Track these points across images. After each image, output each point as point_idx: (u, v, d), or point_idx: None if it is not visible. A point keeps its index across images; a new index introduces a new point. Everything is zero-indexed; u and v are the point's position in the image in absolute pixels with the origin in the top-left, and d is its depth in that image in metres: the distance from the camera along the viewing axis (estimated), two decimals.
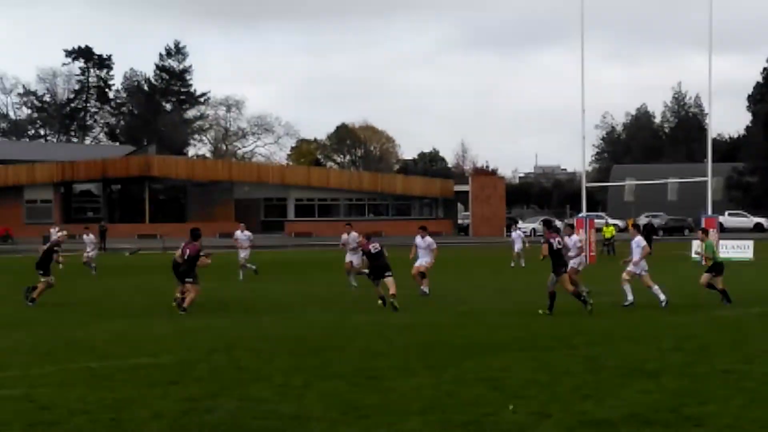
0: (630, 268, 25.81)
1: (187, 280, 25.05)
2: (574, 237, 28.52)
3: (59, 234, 29.44)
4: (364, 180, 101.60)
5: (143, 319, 23.28)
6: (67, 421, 11.33)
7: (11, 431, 10.86)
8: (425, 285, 28.90)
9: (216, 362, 15.89)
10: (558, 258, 23.95)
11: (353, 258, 31.84)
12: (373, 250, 26.08)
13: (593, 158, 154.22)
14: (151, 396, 12.87)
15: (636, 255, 25.62)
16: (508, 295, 28.72)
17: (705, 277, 26.13)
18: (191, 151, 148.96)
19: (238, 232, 39.19)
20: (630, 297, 25.47)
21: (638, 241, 25.92)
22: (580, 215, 56.05)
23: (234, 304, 26.43)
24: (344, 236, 32.82)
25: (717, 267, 26.10)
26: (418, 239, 29.51)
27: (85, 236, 44.90)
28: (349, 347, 17.76)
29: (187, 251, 25.23)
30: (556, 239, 24.22)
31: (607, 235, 57.97)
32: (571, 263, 27.11)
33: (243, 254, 38.05)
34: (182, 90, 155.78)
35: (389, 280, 25.54)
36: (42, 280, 27.37)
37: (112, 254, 61.41)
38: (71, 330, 20.83)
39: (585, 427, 10.84)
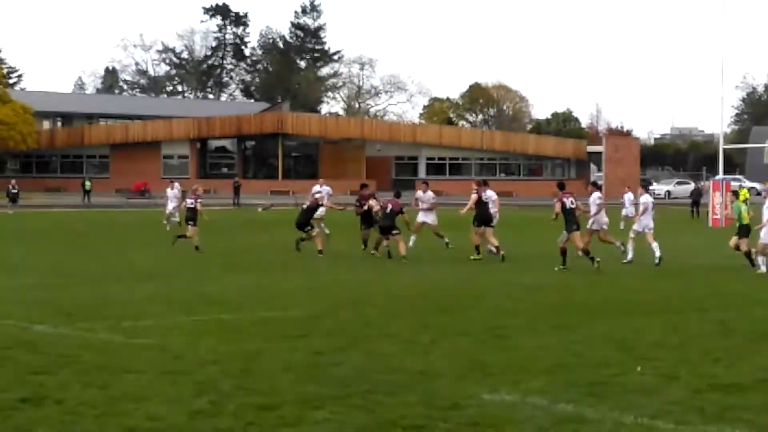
0: (634, 226, 27.59)
1: (393, 232, 27.40)
2: (595, 194, 28.28)
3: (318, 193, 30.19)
4: (495, 139, 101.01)
5: (274, 273, 23.60)
6: (199, 371, 11.58)
7: (146, 378, 11.15)
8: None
9: (343, 317, 16.07)
10: (571, 216, 25.20)
11: (426, 218, 30.59)
12: (484, 198, 27.45)
13: (732, 120, 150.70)
14: (280, 349, 13.08)
15: (593, 210, 27.52)
16: (640, 256, 28.35)
17: (733, 240, 26.34)
18: (324, 109, 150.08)
19: (316, 187, 35.86)
20: (630, 255, 27.09)
21: (594, 199, 27.58)
22: (717, 178, 54.89)
23: (362, 261, 26.65)
24: (419, 193, 31.52)
25: (742, 229, 26.11)
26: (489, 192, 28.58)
27: (169, 190, 43.03)
28: (476, 306, 17.77)
29: (389, 206, 27.74)
30: (569, 198, 25.28)
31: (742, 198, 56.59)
32: (591, 222, 27.99)
33: (322, 210, 33.57)
34: (316, 48, 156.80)
35: (490, 230, 27.25)
36: (313, 234, 28.95)
37: (245, 210, 62.29)
38: (204, 283, 21.24)
39: (713, 390, 10.67)
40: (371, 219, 29.20)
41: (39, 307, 16.97)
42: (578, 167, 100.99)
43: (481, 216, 27.49)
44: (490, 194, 28.77)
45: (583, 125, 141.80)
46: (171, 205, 41.81)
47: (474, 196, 27.60)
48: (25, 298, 18.18)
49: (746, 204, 27.56)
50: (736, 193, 28.69)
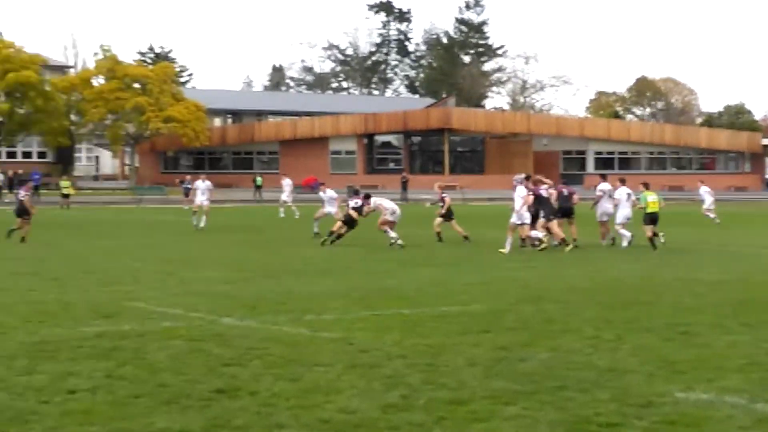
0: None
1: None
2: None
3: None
4: (666, 133, 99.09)
5: (448, 268, 23.59)
6: (385, 365, 11.63)
7: (335, 371, 11.26)
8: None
9: (525, 312, 15.94)
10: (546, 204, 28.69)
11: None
12: (566, 192, 30.26)
13: None
14: (463, 343, 13.05)
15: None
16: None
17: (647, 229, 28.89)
18: (489, 104, 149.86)
19: (199, 182, 40.23)
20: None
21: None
22: None
23: (540, 257, 26.50)
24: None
25: (649, 217, 28.96)
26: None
27: (200, 182, 41.01)
28: (658, 302, 17.44)
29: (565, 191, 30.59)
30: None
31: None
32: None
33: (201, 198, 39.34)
34: (480, 42, 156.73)
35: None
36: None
37: (413, 205, 62.55)
38: (381, 278, 21.36)
39: None
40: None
41: (224, 300, 17.34)
42: (753, 161, 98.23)
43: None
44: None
45: (758, 118, 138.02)
46: (201, 198, 40.17)
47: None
48: (209, 291, 18.59)
49: (655, 194, 29.78)
50: (646, 185, 30.12)
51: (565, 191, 30.53)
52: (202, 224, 38.45)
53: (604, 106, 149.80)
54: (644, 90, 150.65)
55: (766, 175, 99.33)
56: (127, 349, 12.51)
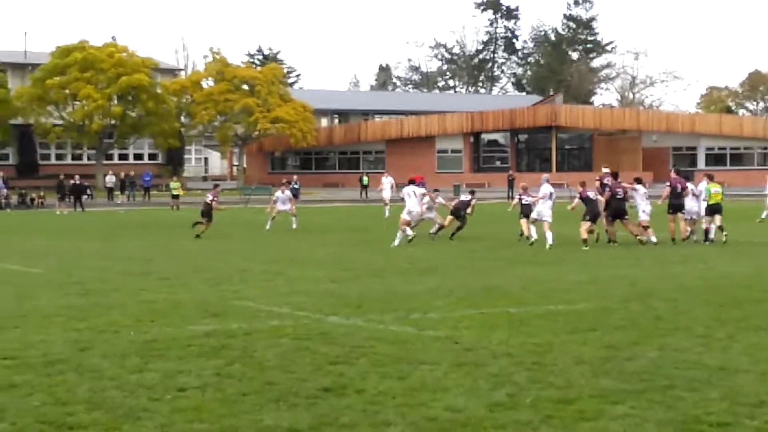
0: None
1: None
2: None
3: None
4: None
5: (553, 267, 23.39)
6: (491, 363, 11.60)
7: (441, 369, 11.26)
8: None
9: (632, 311, 15.76)
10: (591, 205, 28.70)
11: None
12: (679, 188, 29.78)
13: None
14: (570, 342, 12.96)
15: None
16: None
17: (709, 220, 29.65)
18: (597, 101, 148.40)
19: (278, 193, 39.92)
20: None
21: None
22: None
23: (647, 254, 26.15)
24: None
25: (710, 208, 29.51)
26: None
27: (279, 192, 40.01)
28: None
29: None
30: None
31: None
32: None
33: (283, 207, 39.17)
34: (589, 39, 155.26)
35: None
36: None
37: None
38: (487, 276, 21.29)
39: None
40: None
41: (330, 299, 17.43)
42: None
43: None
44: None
45: None
46: (282, 207, 39.62)
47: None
48: (316, 290, 18.72)
49: (719, 186, 30.48)
50: (710, 177, 30.73)
51: (679, 187, 30.07)
52: (293, 226, 38.54)
53: (715, 101, 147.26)
54: (757, 84, 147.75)
55: None
56: (236, 348, 12.67)
